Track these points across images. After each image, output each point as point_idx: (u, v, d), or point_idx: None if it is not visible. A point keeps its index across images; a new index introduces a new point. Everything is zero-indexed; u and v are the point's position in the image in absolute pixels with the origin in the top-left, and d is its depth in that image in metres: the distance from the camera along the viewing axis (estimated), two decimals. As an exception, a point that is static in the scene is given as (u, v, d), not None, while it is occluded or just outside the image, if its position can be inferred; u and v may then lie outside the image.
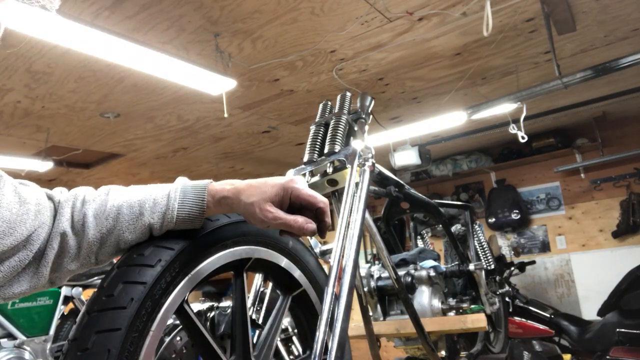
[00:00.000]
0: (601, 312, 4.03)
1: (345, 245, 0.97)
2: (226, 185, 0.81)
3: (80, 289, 2.83)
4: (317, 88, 3.57)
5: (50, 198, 0.78)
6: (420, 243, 3.04)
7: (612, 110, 4.94)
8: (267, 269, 1.03)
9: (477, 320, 1.82)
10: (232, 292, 0.95)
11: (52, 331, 2.59)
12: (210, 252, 0.85)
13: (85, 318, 0.71)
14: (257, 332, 1.11)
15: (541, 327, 4.19)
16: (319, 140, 1.32)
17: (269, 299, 1.52)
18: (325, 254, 1.44)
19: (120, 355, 0.68)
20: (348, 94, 1.42)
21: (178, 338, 2.13)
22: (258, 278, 1.23)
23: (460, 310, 1.99)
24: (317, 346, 0.79)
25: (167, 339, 2.10)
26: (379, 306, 2.06)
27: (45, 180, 5.04)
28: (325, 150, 1.27)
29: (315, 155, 1.29)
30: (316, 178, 1.29)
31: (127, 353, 0.69)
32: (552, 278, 5.55)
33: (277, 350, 2.48)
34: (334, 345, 0.81)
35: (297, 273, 1.05)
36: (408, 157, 4.57)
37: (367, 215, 1.33)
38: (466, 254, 2.75)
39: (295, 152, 5.16)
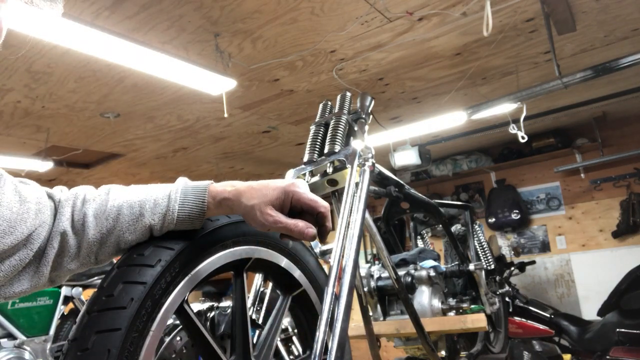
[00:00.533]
0: (601, 312, 4.03)
1: (345, 245, 0.97)
2: (227, 187, 0.80)
3: (80, 289, 2.83)
4: (317, 88, 3.57)
5: (50, 197, 0.78)
6: (420, 243, 3.04)
7: (612, 110, 4.94)
8: (267, 269, 1.03)
9: (477, 320, 1.82)
10: (232, 292, 0.95)
11: (52, 331, 2.59)
12: (210, 252, 0.85)
13: (85, 318, 0.71)
14: (257, 332, 1.11)
15: (541, 327, 4.19)
16: (319, 140, 1.32)
17: (269, 299, 1.52)
18: (325, 254, 1.44)
19: (120, 355, 0.68)
20: (348, 94, 1.42)
21: (178, 338, 2.13)
22: (258, 278, 1.23)
23: (460, 310, 1.99)
24: (317, 346, 0.79)
25: (167, 339, 2.10)
26: (379, 306, 2.06)
27: (45, 180, 5.04)
28: (325, 150, 1.27)
29: (315, 155, 1.29)
30: (316, 178, 1.29)
31: (127, 353, 0.69)
32: (552, 278, 5.55)
33: (277, 350, 2.48)
34: (334, 345, 0.81)
35: (297, 273, 1.05)
36: (408, 157, 4.57)
37: (367, 215, 1.33)
38: (466, 254, 2.75)
39: (295, 152, 5.16)
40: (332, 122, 1.33)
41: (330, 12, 2.56)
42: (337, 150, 1.25)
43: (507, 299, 3.45)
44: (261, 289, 1.25)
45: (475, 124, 4.55)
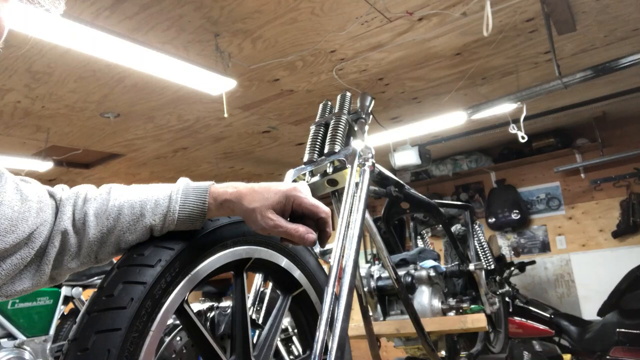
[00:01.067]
0: (601, 312, 4.03)
1: (345, 245, 0.97)
2: (228, 188, 0.80)
3: (80, 289, 2.83)
4: (317, 88, 3.57)
5: (51, 195, 0.78)
6: (420, 243, 3.04)
7: (612, 110, 4.94)
8: (267, 269, 1.03)
9: (477, 320, 1.82)
10: (232, 292, 0.95)
11: (52, 331, 2.59)
12: (210, 252, 0.85)
13: (85, 318, 0.71)
14: (257, 332, 1.11)
15: (541, 327, 4.19)
16: (319, 140, 1.32)
17: (269, 299, 1.52)
18: (325, 254, 1.44)
19: (120, 355, 0.68)
20: (348, 94, 1.42)
21: (178, 338, 2.13)
22: (258, 278, 1.23)
23: (460, 310, 1.99)
24: (317, 346, 0.79)
25: (167, 339, 2.10)
26: (379, 306, 2.06)
27: (45, 180, 5.02)
28: (325, 150, 1.27)
29: (315, 155, 1.29)
30: (316, 178, 1.29)
31: (127, 353, 0.69)
32: (552, 278, 5.55)
33: (277, 350, 2.48)
34: (334, 345, 0.81)
35: (297, 273, 1.05)
36: (408, 157, 4.57)
37: (367, 215, 1.33)
38: (466, 254, 2.75)
39: (295, 152, 5.16)
40: (332, 122, 1.33)
41: (330, 12, 2.56)
42: (337, 150, 1.25)
43: (507, 299, 3.45)
44: (261, 289, 1.25)
45: (475, 124, 4.54)
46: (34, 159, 4.08)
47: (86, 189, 0.81)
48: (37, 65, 2.76)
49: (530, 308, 4.35)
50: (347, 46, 2.97)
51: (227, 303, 2.17)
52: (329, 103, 1.45)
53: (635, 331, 3.55)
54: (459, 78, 3.63)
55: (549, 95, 3.68)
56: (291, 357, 2.54)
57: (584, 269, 5.36)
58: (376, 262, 2.14)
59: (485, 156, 5.94)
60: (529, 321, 4.24)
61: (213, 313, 2.13)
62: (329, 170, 1.27)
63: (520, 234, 5.82)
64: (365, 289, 2.03)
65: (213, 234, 0.85)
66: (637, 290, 3.74)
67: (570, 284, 5.44)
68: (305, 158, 1.30)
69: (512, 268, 4.22)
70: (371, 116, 1.44)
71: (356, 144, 1.25)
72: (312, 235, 0.79)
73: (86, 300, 0.82)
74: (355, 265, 0.96)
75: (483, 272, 2.46)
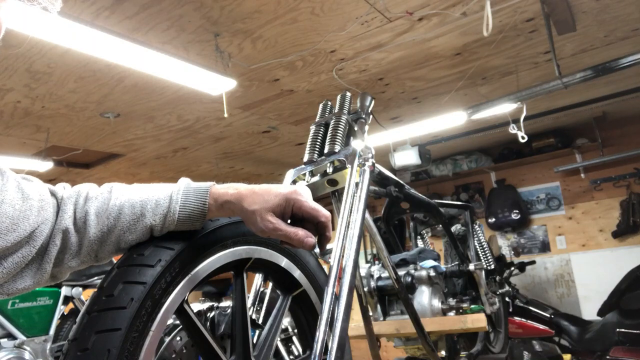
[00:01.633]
0: (601, 312, 4.03)
1: (345, 245, 0.97)
2: (229, 190, 0.80)
3: (80, 289, 2.83)
4: (317, 88, 3.57)
5: (53, 194, 0.78)
6: (420, 243, 3.04)
7: (612, 110, 4.94)
8: (267, 269, 1.03)
9: (477, 320, 1.82)
10: (232, 292, 0.95)
11: (52, 331, 2.59)
12: (210, 252, 0.85)
13: (85, 318, 0.71)
14: (257, 332, 1.11)
15: (541, 327, 4.19)
16: (319, 140, 1.32)
17: (269, 299, 1.52)
18: (325, 254, 1.44)
19: (120, 355, 0.68)
20: (348, 94, 1.42)
21: (178, 338, 2.13)
22: (258, 278, 1.23)
23: (460, 310, 1.99)
24: (317, 346, 0.79)
25: (167, 339, 2.10)
26: (379, 306, 2.06)
27: (46, 180, 4.96)
28: (325, 150, 1.27)
29: (315, 155, 1.29)
30: (316, 178, 1.29)
31: (127, 353, 0.69)
32: (552, 278, 5.55)
33: (277, 350, 2.48)
34: (334, 345, 0.81)
35: (297, 273, 1.05)
36: (408, 157, 4.57)
37: (367, 215, 1.33)
38: (466, 254, 2.75)
39: (295, 152, 5.16)
40: (332, 122, 1.33)
41: (330, 12, 2.55)
42: (337, 150, 1.25)
43: (507, 299, 3.45)
44: (261, 289, 1.25)
45: (475, 124, 4.54)
46: (34, 159, 4.08)
47: (87, 187, 0.81)
48: (37, 65, 2.76)
49: (530, 308, 4.35)
50: (347, 46, 2.97)
51: (227, 303, 2.17)
52: (329, 103, 1.45)
53: (635, 331, 3.55)
54: (459, 78, 3.63)
55: (549, 95, 3.68)
56: (291, 357, 2.53)
57: (584, 269, 5.36)
58: (376, 262, 2.14)
59: (485, 156, 5.94)
60: (529, 321, 4.24)
61: (213, 313, 2.13)
62: (329, 170, 1.27)
63: (520, 234, 5.82)
64: (365, 289, 2.03)
65: (213, 234, 0.85)
66: (637, 290, 3.74)
67: (570, 284, 5.44)
68: (305, 158, 1.30)
69: (512, 268, 4.22)
70: (371, 116, 1.44)
71: (356, 144, 1.25)
72: (312, 239, 0.79)
73: (86, 300, 0.82)
74: (355, 265, 0.96)
75: (483, 272, 2.46)
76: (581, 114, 4.92)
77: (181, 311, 0.82)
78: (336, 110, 1.38)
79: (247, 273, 0.97)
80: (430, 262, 2.18)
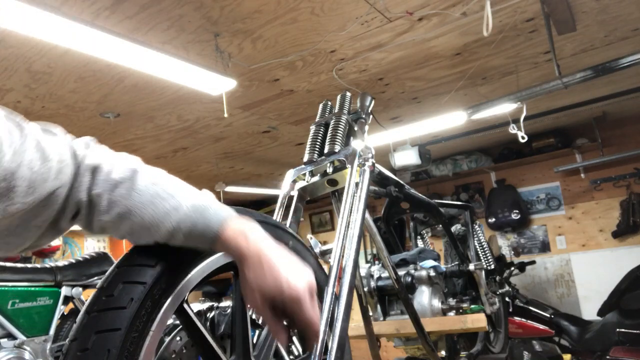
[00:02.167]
0: (601, 312, 4.03)
1: (345, 245, 0.97)
2: (240, 238, 0.73)
3: (80, 289, 2.83)
4: (317, 88, 3.57)
5: (73, 155, 0.76)
6: (420, 243, 3.04)
7: (612, 110, 4.94)
8: (267, 269, 1.03)
9: (477, 320, 1.82)
10: (232, 292, 0.95)
11: (52, 331, 2.59)
12: (210, 252, 0.85)
13: (85, 318, 0.71)
14: (257, 332, 1.11)
15: (541, 327, 4.19)
16: (319, 140, 1.32)
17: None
18: (325, 254, 1.44)
19: (120, 355, 0.68)
20: (348, 94, 1.42)
21: (178, 338, 2.13)
22: (258, 278, 1.22)
23: (460, 310, 1.99)
24: (317, 346, 0.79)
25: (167, 339, 2.10)
26: (379, 306, 2.06)
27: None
28: (325, 150, 1.27)
29: (316, 155, 1.29)
30: (316, 178, 1.30)
31: (127, 353, 0.69)
32: (552, 278, 5.55)
33: (277, 350, 2.48)
34: (334, 345, 0.81)
35: (297, 273, 1.05)
36: (408, 157, 4.57)
37: (367, 215, 1.33)
38: (466, 254, 2.75)
39: (295, 152, 5.16)
40: (332, 122, 1.33)
41: (330, 12, 2.55)
42: (337, 150, 1.25)
43: (507, 299, 3.45)
44: (261, 289, 1.25)
45: (475, 124, 4.54)
46: (34, 159, 4.08)
47: (109, 163, 0.77)
48: (37, 65, 2.76)
49: (530, 308, 4.36)
50: (347, 46, 2.97)
51: (227, 303, 2.17)
52: (329, 103, 1.45)
53: (635, 331, 3.55)
54: (459, 78, 3.63)
55: (549, 95, 3.68)
56: (291, 357, 2.53)
57: (584, 269, 5.36)
58: (376, 262, 2.14)
59: (485, 156, 5.94)
60: (529, 321, 4.24)
61: (213, 313, 2.12)
62: (329, 170, 1.27)
63: (520, 234, 5.82)
64: (365, 289, 2.03)
65: (213, 234, 0.85)
66: (637, 290, 3.74)
67: (570, 284, 5.44)
68: (305, 158, 1.30)
69: (512, 268, 4.23)
70: (371, 116, 1.44)
71: (356, 144, 1.25)
72: (285, 342, 0.75)
73: (86, 300, 0.81)
74: (355, 265, 0.96)
75: (483, 272, 2.46)
76: (581, 114, 4.92)
77: (181, 311, 0.82)
78: (336, 110, 1.38)
79: (247, 273, 0.96)
80: (430, 262, 2.18)
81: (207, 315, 2.13)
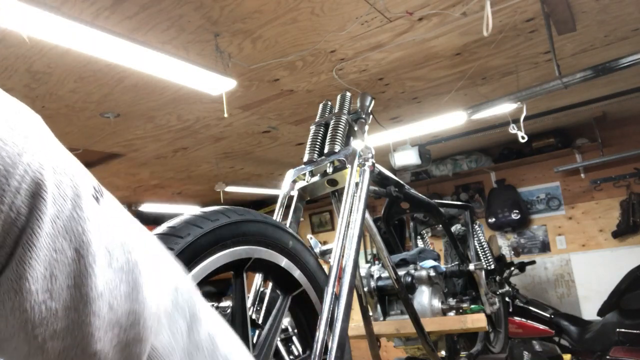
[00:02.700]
0: (601, 312, 4.03)
1: (345, 245, 0.97)
2: None
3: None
4: (317, 88, 3.57)
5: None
6: (420, 243, 3.04)
7: (612, 110, 4.94)
8: (267, 269, 1.03)
9: (477, 320, 1.82)
10: (232, 292, 0.95)
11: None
12: (210, 252, 0.85)
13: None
14: (257, 332, 1.11)
15: (541, 327, 4.19)
16: (319, 140, 1.32)
17: (269, 299, 1.52)
18: (325, 254, 1.44)
19: (120, 355, 0.68)
20: (348, 94, 1.42)
21: (178, 338, 2.13)
22: (258, 278, 1.23)
23: (460, 310, 1.99)
24: (317, 346, 0.79)
25: (167, 339, 2.09)
26: (379, 306, 2.06)
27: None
28: (325, 150, 1.27)
29: (315, 155, 1.29)
30: (316, 178, 1.30)
31: (127, 353, 0.69)
32: (552, 278, 5.55)
33: (277, 350, 2.48)
34: (334, 345, 0.81)
35: (297, 273, 1.05)
36: (408, 157, 4.57)
37: (367, 215, 1.33)
38: (466, 254, 2.75)
39: (295, 152, 5.16)
40: (332, 122, 1.33)
41: (330, 12, 2.55)
42: (337, 150, 1.25)
43: (507, 299, 3.45)
44: (261, 289, 1.25)
45: (475, 124, 4.54)
46: (34, 159, 4.08)
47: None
48: (37, 65, 2.76)
49: (530, 308, 4.36)
50: (347, 46, 2.97)
51: (227, 303, 2.17)
52: (329, 103, 1.45)
53: (635, 331, 3.55)
54: (459, 78, 3.63)
55: (549, 95, 3.68)
56: (291, 357, 2.53)
57: (584, 269, 5.36)
58: (376, 262, 2.14)
59: (485, 156, 5.94)
60: (529, 321, 4.24)
61: (213, 313, 2.12)
62: (329, 170, 1.27)
63: (520, 234, 5.82)
64: (365, 289, 2.03)
65: (213, 234, 0.85)
66: (637, 290, 3.74)
67: (570, 284, 5.44)
68: (305, 158, 1.30)
69: (512, 268, 4.23)
70: (371, 116, 1.44)
71: (356, 144, 1.25)
72: None
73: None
74: (355, 265, 0.96)
75: (483, 272, 2.46)
76: (581, 114, 4.92)
77: (181, 311, 0.82)
78: (336, 110, 1.38)
79: (247, 273, 0.96)
80: (430, 262, 2.18)
81: (207, 315, 2.13)
